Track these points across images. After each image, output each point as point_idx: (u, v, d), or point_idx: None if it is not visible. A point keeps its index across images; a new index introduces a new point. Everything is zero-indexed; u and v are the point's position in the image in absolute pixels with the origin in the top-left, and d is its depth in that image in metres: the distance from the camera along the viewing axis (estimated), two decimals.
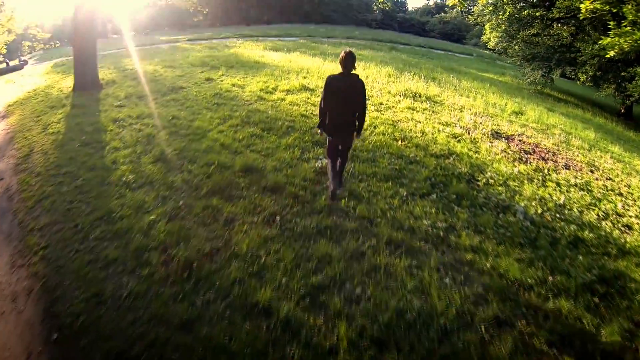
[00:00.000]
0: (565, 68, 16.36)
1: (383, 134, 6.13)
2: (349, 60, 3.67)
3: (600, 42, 7.43)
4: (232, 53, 15.47)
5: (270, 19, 44.59)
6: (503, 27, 18.88)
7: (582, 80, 15.31)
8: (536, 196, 4.81)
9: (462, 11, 54.68)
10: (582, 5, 6.85)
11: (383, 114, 7.24)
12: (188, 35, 29.53)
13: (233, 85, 9.02)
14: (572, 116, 12.38)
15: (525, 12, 16.98)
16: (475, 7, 54.75)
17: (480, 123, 7.54)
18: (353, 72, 3.76)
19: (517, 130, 7.55)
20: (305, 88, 8.64)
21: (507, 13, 18.18)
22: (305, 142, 5.57)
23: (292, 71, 10.72)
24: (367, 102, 4.04)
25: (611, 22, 6.93)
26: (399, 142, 5.84)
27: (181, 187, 4.25)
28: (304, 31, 30.83)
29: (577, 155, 6.80)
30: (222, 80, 9.68)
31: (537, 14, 16.65)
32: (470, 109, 8.61)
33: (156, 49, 21.23)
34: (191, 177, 4.47)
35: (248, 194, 4.05)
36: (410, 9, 61.43)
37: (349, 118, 3.92)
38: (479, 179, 5.01)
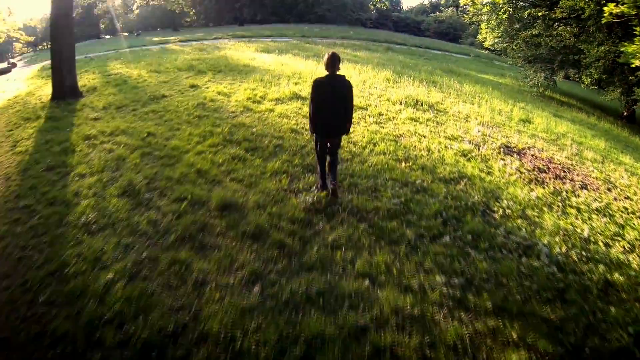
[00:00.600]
0: (569, 70, 15.72)
1: (384, 153, 5.44)
2: (334, 62, 3.75)
3: (624, 49, 6.78)
4: (222, 56, 14.70)
5: (264, 18, 43.68)
6: (502, 27, 18.23)
7: (586, 83, 14.70)
8: (559, 229, 4.18)
9: (458, 10, 54.10)
10: (605, 9, 6.20)
11: (383, 127, 6.55)
12: (179, 36, 28.67)
13: (218, 93, 8.28)
14: (578, 121, 11.78)
15: (526, 13, 16.32)
16: (470, 6, 54.23)
17: (489, 135, 6.89)
18: (339, 73, 3.83)
19: (527, 143, 6.93)
20: (296, 96, 7.91)
21: (507, 14, 17.56)
22: (295, 167, 4.86)
23: (283, 76, 10.00)
24: (353, 101, 4.14)
25: (638, 28, 6.29)
26: (403, 164, 5.15)
27: (147, 232, 3.52)
28: (298, 31, 30.02)
29: (592, 171, 6.23)
30: (207, 88, 8.93)
31: (539, 14, 16.00)
32: (477, 118, 7.96)
33: (146, 51, 20.40)
34: (159, 217, 3.75)
35: (224, 242, 3.33)
36: (404, 8, 60.70)
37: (338, 120, 3.99)
38: (495, 209, 4.35)
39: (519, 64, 17.58)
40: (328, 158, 4.15)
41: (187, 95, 8.40)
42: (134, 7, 42.33)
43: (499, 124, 7.98)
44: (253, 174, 4.61)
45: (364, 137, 5.93)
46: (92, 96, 9.47)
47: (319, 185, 4.25)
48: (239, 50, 17.07)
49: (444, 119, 7.57)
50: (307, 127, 5.62)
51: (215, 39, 24.66)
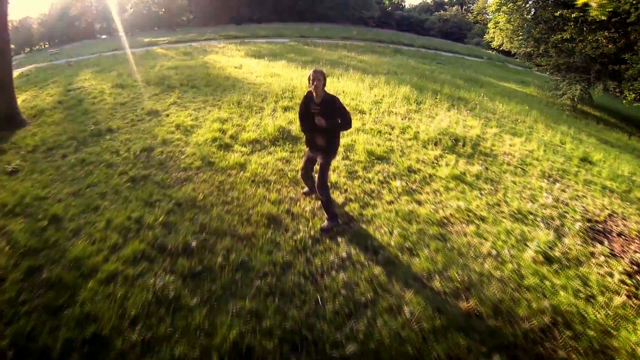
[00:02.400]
0: (607, 82, 13.12)
1: (430, 275, 2.99)
2: (319, 83, 3.17)
3: None
4: (205, 62, 12.20)
5: (262, 17, 40.86)
6: (523, 29, 15.66)
7: (629, 99, 12.15)
8: None
9: (462, 8, 51.24)
10: None
11: (421, 205, 4.02)
12: (171, 37, 26.02)
13: (177, 127, 5.82)
14: (631, 149, 9.36)
15: (557, 13, 13.69)
16: (475, 4, 51.42)
17: (563, 202, 4.49)
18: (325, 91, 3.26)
19: (604, 207, 4.56)
20: (283, 135, 5.42)
21: (531, 14, 15.01)
22: (271, 337, 2.43)
23: (270, 94, 7.52)
24: (347, 113, 3.25)
25: None
26: (465, 304, 2.73)
27: None
28: (297, 31, 27.29)
29: None
30: (167, 116, 6.47)
31: (573, 15, 13.39)
32: (535, 165, 5.53)
33: (128, 55, 17.89)
34: None
35: None
36: (407, 6, 57.69)
37: (328, 140, 3.32)
38: None
39: (548, 72, 14.96)
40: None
41: (138, 129, 5.95)
42: (129, 7, 39.70)
43: (560, 171, 5.57)
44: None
45: (391, 235, 3.44)
46: (33, 126, 7.11)
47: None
48: (227, 54, 14.53)
49: (497, 171, 5.10)
50: (296, 208, 3.22)
51: (206, 40, 22.04)
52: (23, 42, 41.22)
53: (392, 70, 12.23)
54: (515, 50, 17.85)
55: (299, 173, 3.93)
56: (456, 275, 3.06)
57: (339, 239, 3.25)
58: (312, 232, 3.27)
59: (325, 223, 3.39)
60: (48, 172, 4.85)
